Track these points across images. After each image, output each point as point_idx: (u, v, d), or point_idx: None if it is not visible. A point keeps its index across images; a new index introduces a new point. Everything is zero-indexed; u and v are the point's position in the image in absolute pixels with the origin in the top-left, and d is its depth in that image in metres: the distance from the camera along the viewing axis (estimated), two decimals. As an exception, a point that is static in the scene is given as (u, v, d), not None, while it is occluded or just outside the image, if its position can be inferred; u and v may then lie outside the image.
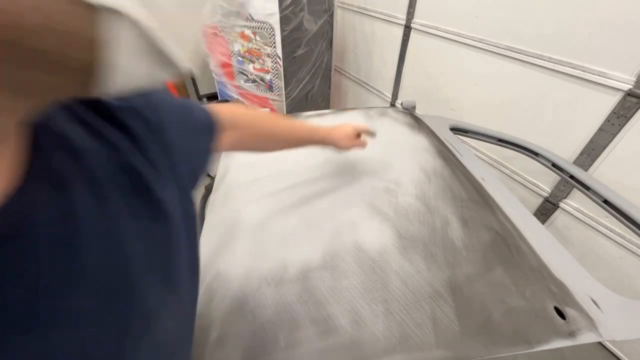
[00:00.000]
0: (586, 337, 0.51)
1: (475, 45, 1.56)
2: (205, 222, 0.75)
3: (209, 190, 1.15)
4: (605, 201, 0.85)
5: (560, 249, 0.69)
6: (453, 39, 1.67)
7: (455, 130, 1.16)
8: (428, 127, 1.10)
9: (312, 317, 0.54)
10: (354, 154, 0.96)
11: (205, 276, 0.61)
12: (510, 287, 0.59)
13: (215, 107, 0.46)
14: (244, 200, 0.81)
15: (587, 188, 0.90)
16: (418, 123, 1.13)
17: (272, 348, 0.50)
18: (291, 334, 0.52)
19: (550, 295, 0.58)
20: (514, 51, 1.40)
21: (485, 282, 0.60)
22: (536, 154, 1.05)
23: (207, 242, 0.70)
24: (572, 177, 0.95)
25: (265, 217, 0.75)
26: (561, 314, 0.55)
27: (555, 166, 1.00)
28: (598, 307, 0.56)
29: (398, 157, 0.95)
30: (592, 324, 0.53)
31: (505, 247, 0.67)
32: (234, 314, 0.55)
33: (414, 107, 1.26)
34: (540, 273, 0.62)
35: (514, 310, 0.55)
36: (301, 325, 0.53)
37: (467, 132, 1.19)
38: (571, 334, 0.52)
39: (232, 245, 0.69)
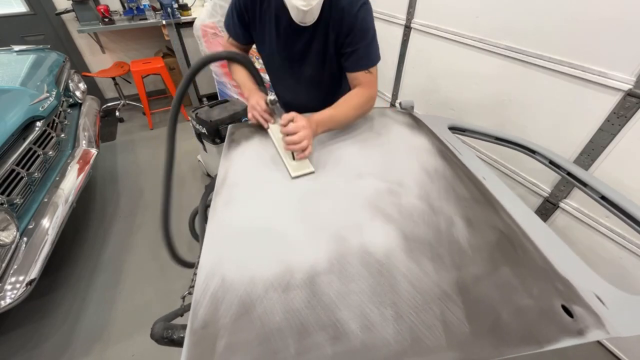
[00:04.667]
0: (594, 335, 0.51)
1: (475, 45, 1.56)
2: (208, 227, 0.73)
3: (209, 190, 1.14)
4: (603, 197, 0.86)
5: (562, 246, 0.69)
6: (453, 39, 1.67)
7: (454, 129, 1.17)
8: (427, 127, 1.10)
9: (321, 322, 0.54)
10: (356, 155, 0.96)
11: (210, 283, 0.60)
12: (517, 287, 0.59)
13: None
14: (245, 204, 0.79)
15: (585, 185, 0.91)
16: (417, 123, 1.13)
17: (282, 355, 0.49)
18: (301, 341, 0.51)
19: (557, 294, 0.58)
20: (514, 51, 1.40)
21: (492, 282, 0.60)
22: (533, 151, 1.06)
23: (211, 248, 0.68)
24: (569, 174, 0.96)
25: (268, 221, 0.74)
26: (569, 312, 0.55)
27: (552, 163, 1.01)
28: (603, 303, 0.57)
29: (399, 158, 0.95)
30: (599, 321, 0.53)
31: (510, 246, 0.67)
32: (242, 321, 0.54)
33: (412, 107, 1.26)
34: (545, 271, 0.62)
35: (522, 309, 0.55)
36: (311, 331, 0.52)
37: (464, 131, 1.19)
38: (579, 332, 0.52)
39: (236, 250, 0.67)
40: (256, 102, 1.05)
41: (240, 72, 1.15)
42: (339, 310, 0.55)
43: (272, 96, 1.03)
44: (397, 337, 0.52)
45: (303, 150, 0.87)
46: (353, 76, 1.06)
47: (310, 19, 0.93)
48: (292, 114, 0.90)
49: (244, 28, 1.11)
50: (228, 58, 1.15)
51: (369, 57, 1.03)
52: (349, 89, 1.09)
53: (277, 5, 0.99)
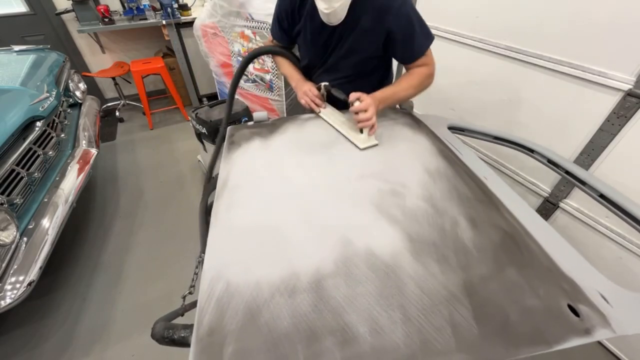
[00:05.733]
0: (601, 334, 0.51)
1: (475, 45, 1.56)
2: (210, 231, 0.72)
3: (209, 190, 1.14)
4: (602, 195, 0.86)
5: (565, 245, 0.69)
6: (453, 39, 1.68)
7: (453, 129, 1.17)
8: (427, 127, 1.10)
9: (329, 327, 0.53)
10: (357, 156, 0.96)
11: (215, 288, 0.59)
12: (523, 287, 0.59)
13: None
14: (248, 207, 0.78)
15: (583, 183, 0.91)
16: (417, 123, 1.13)
17: None
18: (310, 346, 0.50)
19: (563, 293, 0.58)
20: (514, 51, 1.41)
21: (499, 283, 0.60)
22: (532, 150, 1.06)
23: (214, 252, 0.67)
24: (567, 172, 0.96)
25: (271, 225, 0.73)
26: (575, 312, 0.55)
27: (551, 162, 1.01)
28: (607, 302, 0.57)
29: (401, 159, 0.94)
30: (605, 320, 0.53)
31: (515, 246, 0.67)
32: (249, 327, 0.53)
33: (412, 107, 1.26)
34: (550, 271, 0.62)
35: (529, 310, 0.55)
36: (319, 336, 0.52)
37: (463, 131, 1.19)
38: (587, 332, 0.52)
39: (240, 254, 0.66)
40: (308, 88, 1.16)
41: (285, 65, 1.30)
42: (347, 314, 0.55)
43: (325, 83, 1.15)
44: (406, 340, 0.51)
45: (373, 126, 0.97)
46: (411, 66, 1.11)
47: (335, 20, 0.99)
48: (358, 94, 0.98)
49: (284, 32, 1.24)
50: (274, 52, 1.31)
51: (421, 45, 1.07)
52: (386, 78, 1.28)
53: (311, 4, 1.05)
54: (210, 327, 0.53)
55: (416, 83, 1.09)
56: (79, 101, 2.28)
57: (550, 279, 0.61)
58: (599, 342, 1.48)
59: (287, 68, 1.29)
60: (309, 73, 1.32)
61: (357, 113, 0.97)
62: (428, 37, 1.07)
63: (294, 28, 1.19)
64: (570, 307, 0.56)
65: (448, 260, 0.64)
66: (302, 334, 0.52)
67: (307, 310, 0.55)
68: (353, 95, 0.98)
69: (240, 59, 2.27)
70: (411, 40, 1.04)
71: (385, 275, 0.61)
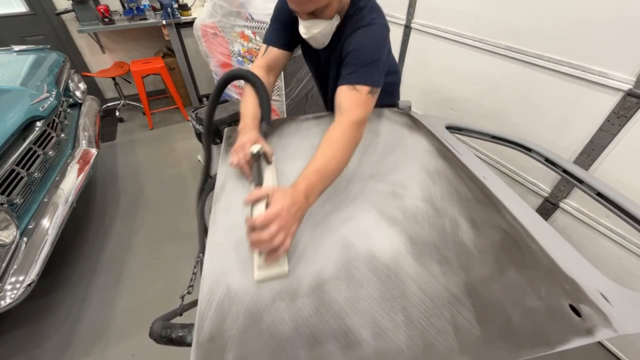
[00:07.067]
0: (603, 334, 0.51)
1: (475, 45, 1.56)
2: (209, 235, 0.72)
3: (208, 190, 1.13)
4: (599, 194, 0.87)
5: (565, 245, 0.69)
6: (453, 39, 1.67)
7: (451, 128, 1.17)
8: (426, 127, 1.10)
9: (331, 331, 0.53)
10: (355, 157, 0.95)
11: (215, 293, 0.59)
12: (525, 288, 0.59)
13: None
14: (246, 210, 0.76)
15: (581, 182, 0.91)
16: (415, 123, 1.13)
17: None
18: (312, 351, 0.50)
19: (564, 293, 0.58)
20: (514, 51, 1.40)
21: (500, 284, 0.60)
22: (529, 149, 1.06)
23: (213, 256, 0.67)
24: (565, 171, 0.96)
25: None
26: (576, 312, 0.55)
27: (548, 161, 1.01)
28: (608, 301, 0.57)
29: (400, 159, 0.94)
30: (606, 320, 0.53)
31: (516, 246, 0.67)
32: (250, 332, 0.53)
33: (410, 107, 1.26)
34: (551, 271, 0.62)
35: (531, 311, 0.55)
36: (321, 341, 0.51)
37: (462, 130, 1.19)
38: (588, 332, 0.52)
39: (240, 258, 0.66)
40: (241, 145, 0.85)
41: (247, 100, 0.99)
42: (349, 317, 0.54)
43: (256, 148, 0.81)
44: (409, 343, 0.51)
45: (275, 249, 0.59)
46: (337, 92, 0.87)
47: (317, 45, 0.97)
48: (266, 190, 0.66)
49: (286, 32, 1.03)
50: (241, 77, 0.99)
51: (358, 74, 0.85)
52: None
53: None
54: (211, 333, 0.53)
55: (344, 141, 0.77)
56: (79, 101, 2.27)
57: (551, 279, 0.61)
58: (599, 342, 1.48)
59: (245, 104, 0.98)
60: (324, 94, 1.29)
61: (252, 227, 0.59)
62: (371, 78, 0.85)
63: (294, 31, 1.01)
64: (572, 307, 0.56)
65: (449, 262, 0.64)
66: (304, 338, 0.52)
67: (309, 314, 0.55)
68: (256, 194, 0.66)
69: (240, 58, 2.27)
70: (357, 65, 0.85)
71: (386, 278, 0.61)
